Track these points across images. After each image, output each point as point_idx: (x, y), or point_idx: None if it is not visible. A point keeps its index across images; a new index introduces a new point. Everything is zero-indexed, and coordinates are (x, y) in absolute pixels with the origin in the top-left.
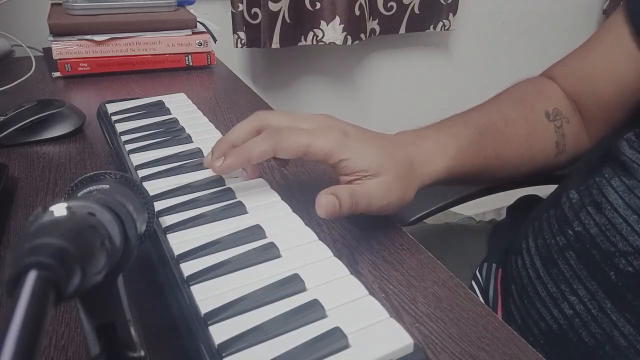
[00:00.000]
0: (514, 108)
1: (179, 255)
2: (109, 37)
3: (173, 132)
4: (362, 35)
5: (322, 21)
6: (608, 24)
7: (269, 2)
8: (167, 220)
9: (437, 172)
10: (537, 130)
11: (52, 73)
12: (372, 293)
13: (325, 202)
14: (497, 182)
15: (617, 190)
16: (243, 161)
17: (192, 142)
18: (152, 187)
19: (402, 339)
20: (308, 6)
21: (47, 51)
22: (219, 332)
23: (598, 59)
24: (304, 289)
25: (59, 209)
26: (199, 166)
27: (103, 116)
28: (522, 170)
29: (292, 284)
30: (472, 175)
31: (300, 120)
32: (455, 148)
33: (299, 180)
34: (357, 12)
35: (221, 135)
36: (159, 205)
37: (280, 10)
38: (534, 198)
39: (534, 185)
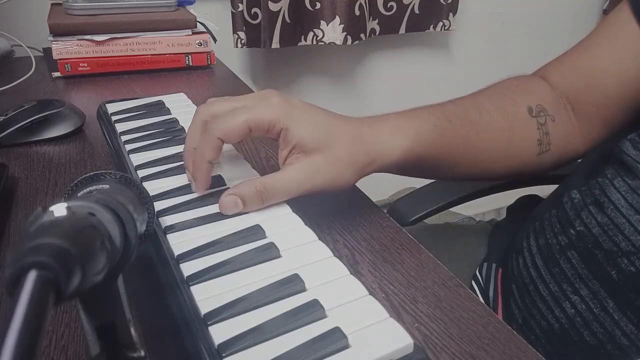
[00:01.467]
0: (492, 100)
1: (179, 255)
2: (109, 37)
3: (173, 132)
4: (362, 35)
5: (322, 21)
6: (610, 20)
7: (269, 2)
8: (167, 220)
9: (393, 153)
10: (517, 124)
11: (52, 73)
12: (372, 293)
13: (225, 204)
14: (472, 178)
15: (620, 190)
16: (206, 166)
17: None
18: (152, 187)
19: (402, 339)
20: (308, 6)
21: (47, 51)
22: (219, 332)
23: (600, 55)
24: (303, 289)
25: (59, 209)
26: None
27: (103, 116)
28: (499, 166)
29: (292, 284)
30: (439, 165)
31: (241, 100)
32: (416, 130)
33: None
34: (357, 12)
35: None
36: (159, 205)
37: (280, 10)
38: (534, 198)
39: (534, 185)
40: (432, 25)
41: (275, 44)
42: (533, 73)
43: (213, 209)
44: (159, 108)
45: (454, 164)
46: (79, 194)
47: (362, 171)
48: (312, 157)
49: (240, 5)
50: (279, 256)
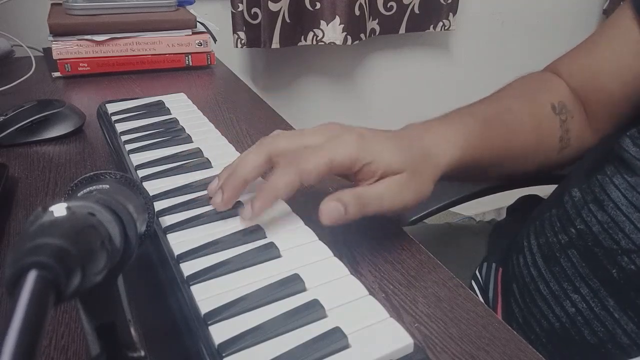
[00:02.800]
0: (519, 100)
1: (179, 255)
2: (109, 37)
3: (173, 132)
4: (362, 35)
5: (322, 21)
6: (613, 19)
7: (269, 2)
8: (167, 220)
9: (450, 162)
10: (543, 123)
11: (52, 73)
12: (372, 293)
13: (328, 209)
14: (503, 179)
15: (620, 187)
16: (271, 200)
17: (192, 142)
18: (152, 187)
19: (402, 339)
20: (308, 6)
21: (47, 51)
22: (219, 332)
23: (604, 56)
24: (304, 289)
25: (59, 209)
26: (199, 166)
27: (103, 116)
28: (527, 165)
29: (292, 284)
30: (481, 168)
31: (309, 136)
32: (464, 138)
33: None
34: (357, 12)
35: (221, 136)
36: (159, 205)
37: (280, 10)
38: (534, 198)
39: (534, 185)
40: (432, 25)
41: (275, 44)
42: (545, 69)
43: (213, 208)
44: (159, 108)
45: (492, 165)
46: (79, 194)
47: (433, 182)
48: (398, 175)
49: (240, 5)
50: (279, 256)
